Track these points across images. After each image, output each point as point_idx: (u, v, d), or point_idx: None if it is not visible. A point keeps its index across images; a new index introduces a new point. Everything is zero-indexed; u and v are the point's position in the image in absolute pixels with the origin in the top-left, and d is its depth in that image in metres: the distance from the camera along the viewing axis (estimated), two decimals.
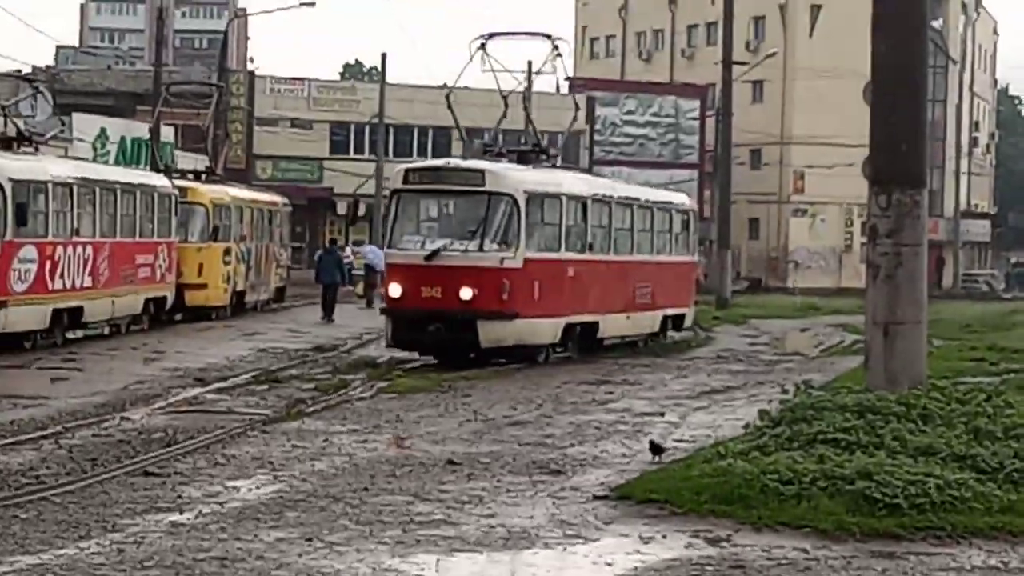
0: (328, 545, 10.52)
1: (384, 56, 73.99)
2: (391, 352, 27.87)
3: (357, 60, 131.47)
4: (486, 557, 10.34)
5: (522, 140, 31.92)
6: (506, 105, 28.40)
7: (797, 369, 26.95)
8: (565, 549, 10.68)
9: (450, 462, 14.70)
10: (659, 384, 24.31)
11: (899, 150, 16.22)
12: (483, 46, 28.76)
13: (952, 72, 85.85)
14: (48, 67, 70.18)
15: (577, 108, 35.13)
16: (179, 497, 12.53)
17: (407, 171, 27.72)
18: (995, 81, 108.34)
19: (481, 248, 25.30)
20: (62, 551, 10.13)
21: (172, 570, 9.58)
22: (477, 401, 20.80)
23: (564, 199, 27.46)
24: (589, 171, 74.10)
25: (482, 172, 26.02)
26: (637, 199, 32.39)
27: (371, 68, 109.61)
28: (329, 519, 11.55)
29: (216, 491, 12.96)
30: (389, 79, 70.94)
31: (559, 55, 29.63)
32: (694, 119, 78.31)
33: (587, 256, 28.24)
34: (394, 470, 14.21)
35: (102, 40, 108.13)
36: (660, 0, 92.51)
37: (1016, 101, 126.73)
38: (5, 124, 32.01)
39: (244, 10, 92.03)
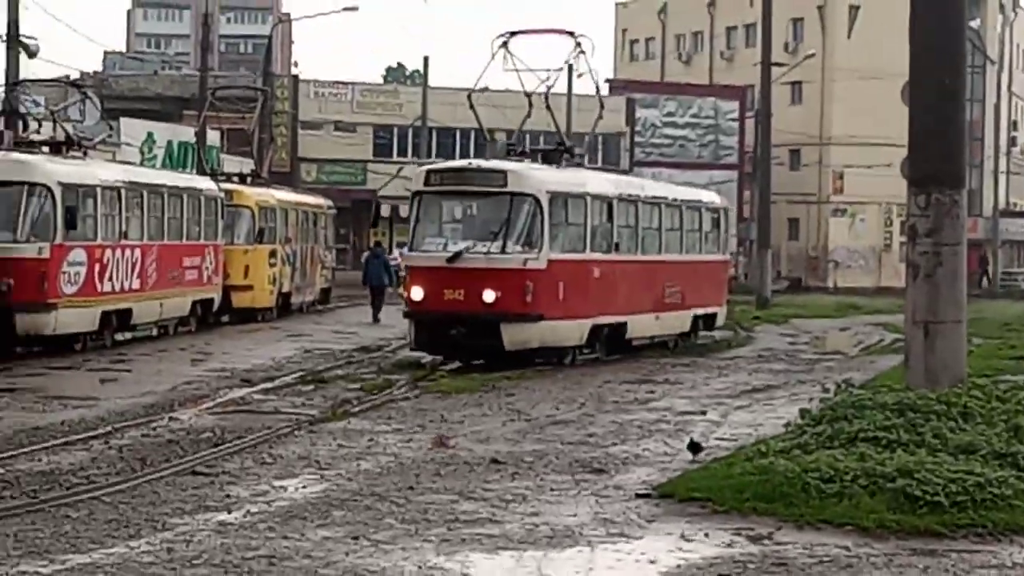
0: (374, 543, 10.54)
1: (426, 59, 74.52)
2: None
3: (399, 64, 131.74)
4: (530, 555, 10.32)
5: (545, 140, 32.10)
6: (530, 104, 27.50)
7: (837, 368, 26.77)
8: (608, 547, 10.64)
9: (494, 461, 14.71)
10: (700, 383, 24.20)
11: (937, 150, 16.13)
12: (505, 44, 27.65)
13: (990, 72, 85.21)
14: (96, 73, 70.58)
15: (602, 107, 33.83)
16: (227, 496, 12.60)
17: (428, 172, 27.33)
18: None
19: (504, 250, 24.52)
20: (112, 550, 10.18)
21: (221, 568, 9.63)
22: (520, 401, 20.78)
23: (589, 199, 26.71)
24: (629, 172, 74.47)
25: (504, 173, 25.29)
26: (665, 198, 31.68)
27: (413, 71, 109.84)
28: (375, 518, 11.58)
29: (263, 490, 13.00)
30: (431, 82, 71.19)
31: (582, 52, 28.44)
32: (733, 120, 78.21)
33: (613, 256, 27.41)
34: (439, 469, 14.23)
35: (148, 46, 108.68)
36: (699, 2, 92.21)
37: None
38: (54, 129, 32.18)
39: (288, 15, 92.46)
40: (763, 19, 56.05)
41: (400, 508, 12.02)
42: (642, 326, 29.04)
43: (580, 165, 29.23)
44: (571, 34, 28.37)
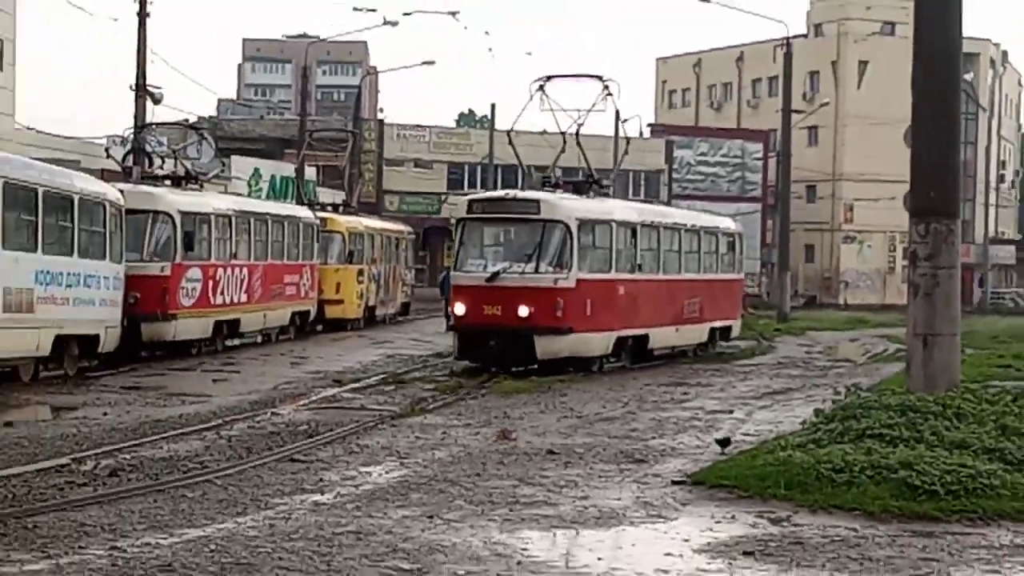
0: (446, 522, 10.66)
1: (493, 106, 75.26)
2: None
3: (470, 110, 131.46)
4: (582, 534, 10.42)
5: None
6: (564, 142, 26.99)
7: (847, 374, 26.61)
8: (648, 527, 10.76)
9: (550, 452, 14.79)
10: (728, 386, 24.18)
11: (935, 185, 16.16)
12: (541, 87, 27.33)
13: (982, 119, 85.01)
14: (211, 117, 71.06)
15: (628, 143, 33.81)
16: (320, 480, 12.76)
17: (471, 201, 27.17)
18: (1019, 126, 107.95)
19: (537, 270, 24.09)
20: (223, 525, 10.39)
21: (315, 542, 9.76)
22: (572, 400, 20.83)
23: (614, 225, 26.15)
24: (668, 204, 74.48)
25: (537, 202, 24.85)
26: (684, 224, 31.04)
27: (482, 116, 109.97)
28: (447, 500, 11.70)
29: (351, 475, 13.15)
30: (497, 125, 71.57)
31: (609, 94, 27.65)
32: (758, 159, 77.97)
33: (637, 276, 26.81)
34: (502, 458, 14.35)
35: (256, 94, 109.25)
36: (728, 58, 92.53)
37: None
38: (175, 165, 32.67)
39: (375, 68, 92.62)
40: (784, 72, 56.30)
41: (468, 491, 12.16)
42: (663, 337, 28.59)
43: (607, 195, 28.75)
44: (599, 78, 27.79)
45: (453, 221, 28.73)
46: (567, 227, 23.99)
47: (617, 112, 31.62)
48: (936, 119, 16.51)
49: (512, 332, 23.66)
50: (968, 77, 73.49)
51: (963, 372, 17.53)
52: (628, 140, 34.02)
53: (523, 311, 23.46)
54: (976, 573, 9.49)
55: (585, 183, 27.29)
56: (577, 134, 27.07)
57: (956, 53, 16.80)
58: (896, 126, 59.02)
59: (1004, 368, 25.84)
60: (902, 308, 21.57)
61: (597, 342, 25.09)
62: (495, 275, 23.96)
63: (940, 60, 16.55)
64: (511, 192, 27.23)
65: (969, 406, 14.68)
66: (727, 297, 32.79)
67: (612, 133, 71.66)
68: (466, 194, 71.41)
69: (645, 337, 27.49)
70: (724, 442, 15.21)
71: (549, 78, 27.35)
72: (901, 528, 10.79)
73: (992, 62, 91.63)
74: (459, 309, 24.59)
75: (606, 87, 27.47)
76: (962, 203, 17.08)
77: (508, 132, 28.61)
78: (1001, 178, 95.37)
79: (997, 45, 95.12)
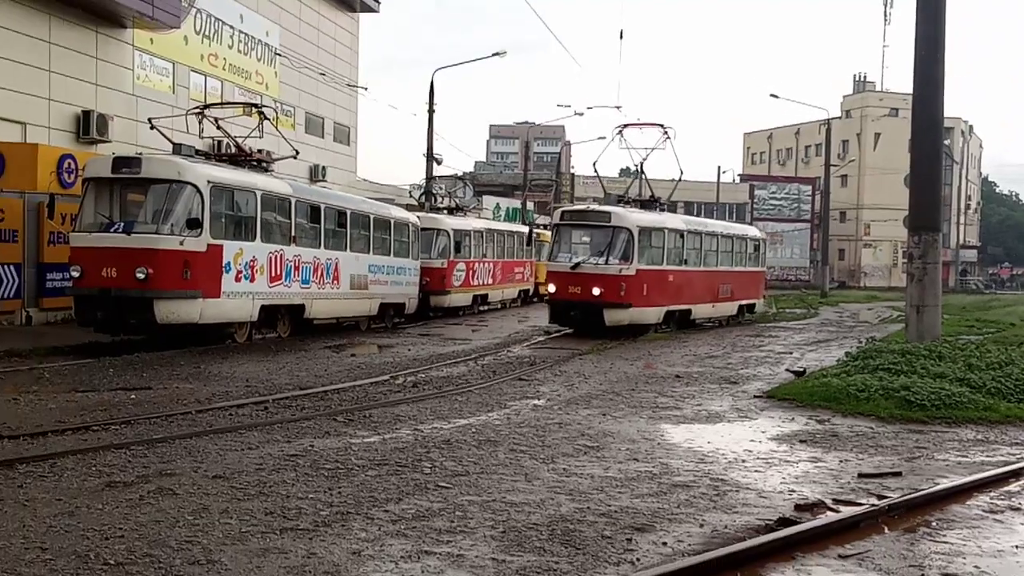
0: (613, 418, 10.71)
1: (641, 165, 74.52)
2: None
3: (628, 166, 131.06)
4: (697, 426, 10.39)
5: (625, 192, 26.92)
6: (639, 172, 25.12)
7: (867, 330, 25.92)
8: (739, 423, 10.70)
9: (676, 376, 14.74)
10: (788, 337, 23.72)
11: (925, 211, 15.76)
12: (620, 132, 24.80)
13: (955, 168, 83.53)
14: (470, 172, 72.57)
15: (681, 173, 25.49)
16: (537, 391, 12.83)
17: (563, 212, 24.70)
18: (980, 173, 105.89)
19: (607, 262, 21.88)
20: (479, 418, 10.53)
21: (534, 428, 9.85)
22: (690, 345, 20.70)
23: (666, 231, 23.66)
24: (751, 225, 73.71)
25: (609, 213, 22.49)
26: (719, 231, 27.92)
27: (634, 170, 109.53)
28: (614, 404, 11.72)
29: (556, 389, 13.12)
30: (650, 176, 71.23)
31: (668, 139, 24.75)
32: (808, 196, 76.77)
33: (682, 268, 24.29)
34: (647, 379, 14.31)
35: (497, 158, 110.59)
36: (790, 131, 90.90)
37: (993, 184, 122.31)
38: (449, 201, 33.40)
39: (569, 141, 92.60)
40: (825, 140, 55.58)
41: (627, 399, 12.17)
42: (703, 311, 26.02)
43: (664, 210, 25.73)
44: (661, 126, 25.02)
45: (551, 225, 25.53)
46: (630, 232, 21.95)
47: (675, 151, 28.83)
48: (925, 169, 16.04)
49: (588, 306, 21.69)
50: (947, 142, 71.78)
51: (943, 330, 16.95)
52: (681, 171, 27.16)
53: (596, 291, 21.53)
54: (951, 455, 9.26)
55: (649, 201, 25.13)
56: (642, 166, 25.10)
57: (939, 127, 16.35)
58: (899, 174, 59.45)
59: (969, 327, 25.24)
60: (901, 289, 20.92)
61: (650, 314, 22.76)
62: (576, 265, 21.87)
63: (928, 132, 16.09)
64: (592, 206, 24.81)
65: (946, 351, 14.31)
66: (752, 284, 29.91)
67: (712, 181, 71.20)
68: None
69: (688, 311, 24.98)
70: (800, 373, 14.86)
71: (626, 126, 25.10)
72: (902, 427, 10.62)
73: (962, 132, 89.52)
74: (551, 288, 22.55)
75: (665, 132, 24.83)
76: (942, 222, 16.47)
77: (594, 164, 26.85)
78: (968, 206, 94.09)
79: (966, 121, 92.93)
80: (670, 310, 23.71)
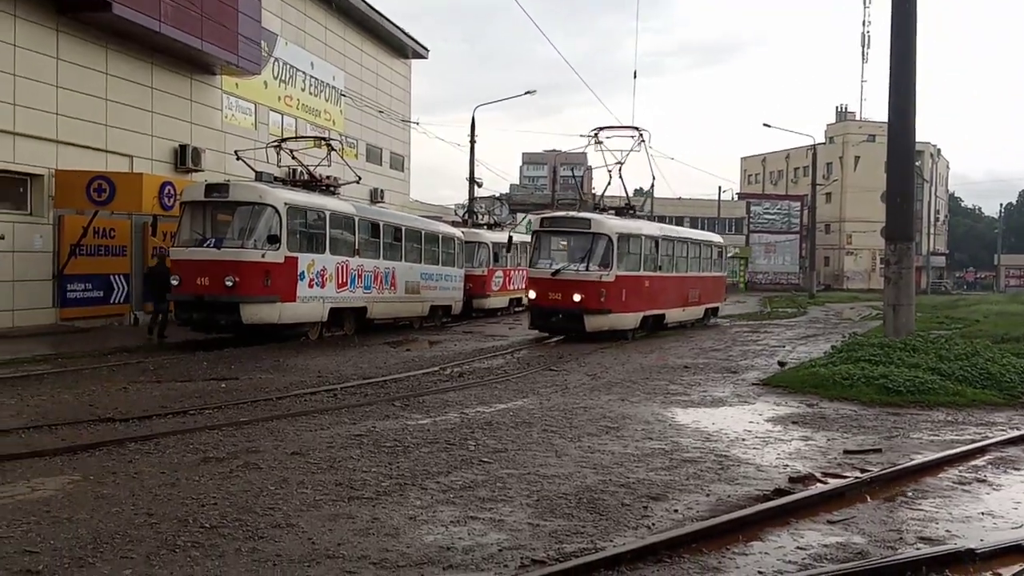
0: (630, 403, 10.62)
1: (652, 186, 73.88)
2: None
3: (640, 187, 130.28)
4: (703, 410, 10.29)
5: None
6: (610, 175, 21.01)
7: (849, 327, 25.46)
8: (740, 407, 10.59)
9: (685, 367, 14.61)
10: (781, 332, 23.43)
11: (899, 223, 15.52)
12: (596, 135, 21.25)
13: (926, 186, 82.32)
14: (505, 193, 72.54)
15: (654, 178, 25.21)
16: (565, 380, 12.75)
17: (542, 219, 21.79)
18: (947, 189, 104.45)
19: (587, 268, 19.32)
20: (515, 403, 10.48)
21: (562, 411, 9.78)
22: (695, 340, 20.51)
23: (643, 237, 20.95)
24: (747, 240, 73.70)
25: (589, 220, 19.86)
26: (689, 238, 24.88)
27: (647, 191, 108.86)
28: (630, 391, 11.63)
29: (580, 378, 13.04)
30: (657, 195, 70.96)
31: (643, 141, 21.23)
32: (797, 211, 75.72)
33: (657, 273, 21.52)
34: (660, 369, 14.20)
35: (529, 181, 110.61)
36: (781, 156, 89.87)
37: (959, 199, 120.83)
38: (489, 218, 33.39)
39: (590, 167, 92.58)
40: (812, 164, 55.26)
41: (642, 387, 12.07)
42: (674, 315, 23.00)
43: (638, 217, 22.85)
44: (636, 128, 21.50)
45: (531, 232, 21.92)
46: (610, 238, 19.43)
47: (650, 154, 23.47)
48: (899, 188, 15.72)
49: (568, 311, 19.22)
50: (917, 164, 70.95)
51: (917, 326, 16.67)
52: (654, 176, 25.14)
53: (576, 297, 19.08)
54: (925, 434, 9.11)
55: (624, 208, 22.16)
56: (620, 170, 21.54)
57: (911, 150, 16.10)
58: (876, 192, 58.71)
59: (940, 323, 24.91)
60: (879, 291, 20.61)
61: (628, 319, 20.19)
62: (557, 272, 19.33)
63: (901, 156, 15.81)
64: (571, 213, 21.74)
65: (920, 344, 14.05)
66: (716, 288, 27.08)
67: (714, 199, 70.61)
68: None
69: (662, 315, 22.20)
70: (782, 364, 14.83)
71: (601, 128, 21.52)
72: (881, 410, 10.44)
73: (931, 155, 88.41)
74: (532, 295, 19.79)
75: (640, 136, 21.34)
76: (915, 233, 16.18)
77: (572, 169, 23.04)
78: (936, 218, 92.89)
79: (935, 145, 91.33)
80: (646, 315, 21.16)
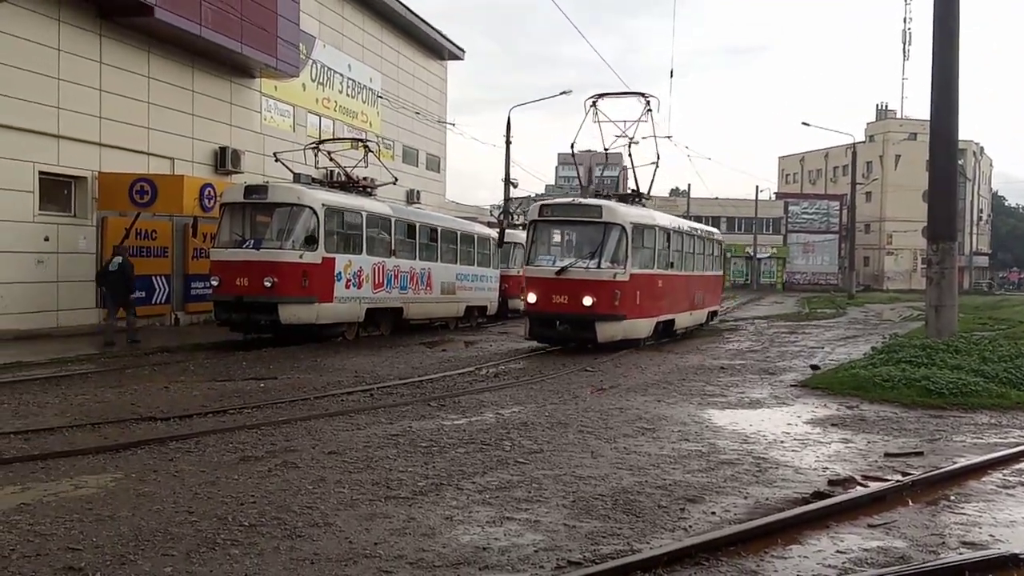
0: (666, 404, 10.57)
1: (689, 186, 74.75)
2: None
3: (677, 187, 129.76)
4: (740, 412, 10.23)
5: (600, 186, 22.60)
6: (606, 157, 17.10)
7: (890, 327, 25.13)
8: (777, 409, 10.50)
9: (722, 368, 14.53)
10: (820, 334, 23.16)
11: (942, 222, 15.18)
12: (594, 103, 18.33)
13: (968, 185, 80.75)
14: (541, 194, 72.49)
15: (659, 157, 23.15)
16: (601, 381, 12.68)
17: (542, 206, 17.73)
18: (990, 188, 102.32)
19: (599, 266, 16.38)
20: (552, 405, 10.44)
21: (598, 413, 9.74)
22: (734, 341, 20.41)
23: (657, 229, 18.00)
24: (784, 240, 73.06)
25: (600, 207, 16.76)
26: (696, 233, 21.68)
27: (683, 191, 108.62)
28: (667, 392, 11.56)
29: (615, 379, 12.93)
30: (695, 194, 70.52)
31: (650, 110, 18.39)
32: (836, 210, 74.61)
33: (668, 272, 18.74)
34: (697, 370, 14.12)
35: (564, 181, 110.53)
36: (820, 154, 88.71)
37: (1002, 198, 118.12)
38: (524, 219, 33.31)
39: (626, 167, 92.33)
40: (851, 163, 53.95)
41: (678, 388, 12.01)
42: (684, 320, 20.37)
43: (644, 205, 19.17)
44: (642, 95, 18.49)
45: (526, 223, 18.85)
46: (624, 229, 16.50)
47: (654, 125, 20.55)
48: (942, 187, 15.46)
49: (577, 318, 16.39)
50: (960, 162, 69.95)
51: (959, 327, 16.40)
52: (659, 155, 23.49)
53: (587, 300, 16.23)
54: (968, 437, 8.95)
55: (630, 195, 19.00)
56: (629, 147, 18.67)
57: (953, 148, 15.75)
58: (917, 191, 57.73)
59: (983, 324, 24.42)
60: (921, 291, 20.35)
61: (643, 326, 17.51)
62: (563, 269, 16.35)
63: (944, 154, 15.51)
64: (576, 199, 18.07)
65: (963, 345, 13.83)
66: (715, 289, 24.18)
67: (751, 199, 69.96)
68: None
69: (673, 321, 19.46)
70: (815, 367, 14.54)
71: (601, 96, 18.48)
72: (923, 413, 10.28)
73: (974, 153, 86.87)
74: (531, 298, 16.78)
75: (648, 103, 18.44)
76: (957, 232, 15.86)
77: (572, 145, 18.77)
78: (980, 218, 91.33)
79: (978, 143, 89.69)
80: (659, 320, 18.52)
